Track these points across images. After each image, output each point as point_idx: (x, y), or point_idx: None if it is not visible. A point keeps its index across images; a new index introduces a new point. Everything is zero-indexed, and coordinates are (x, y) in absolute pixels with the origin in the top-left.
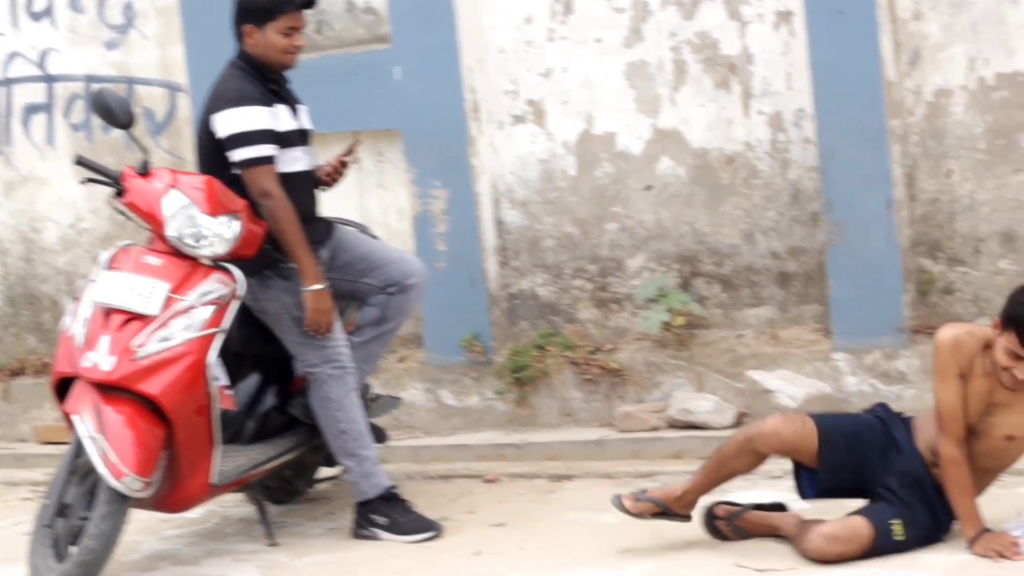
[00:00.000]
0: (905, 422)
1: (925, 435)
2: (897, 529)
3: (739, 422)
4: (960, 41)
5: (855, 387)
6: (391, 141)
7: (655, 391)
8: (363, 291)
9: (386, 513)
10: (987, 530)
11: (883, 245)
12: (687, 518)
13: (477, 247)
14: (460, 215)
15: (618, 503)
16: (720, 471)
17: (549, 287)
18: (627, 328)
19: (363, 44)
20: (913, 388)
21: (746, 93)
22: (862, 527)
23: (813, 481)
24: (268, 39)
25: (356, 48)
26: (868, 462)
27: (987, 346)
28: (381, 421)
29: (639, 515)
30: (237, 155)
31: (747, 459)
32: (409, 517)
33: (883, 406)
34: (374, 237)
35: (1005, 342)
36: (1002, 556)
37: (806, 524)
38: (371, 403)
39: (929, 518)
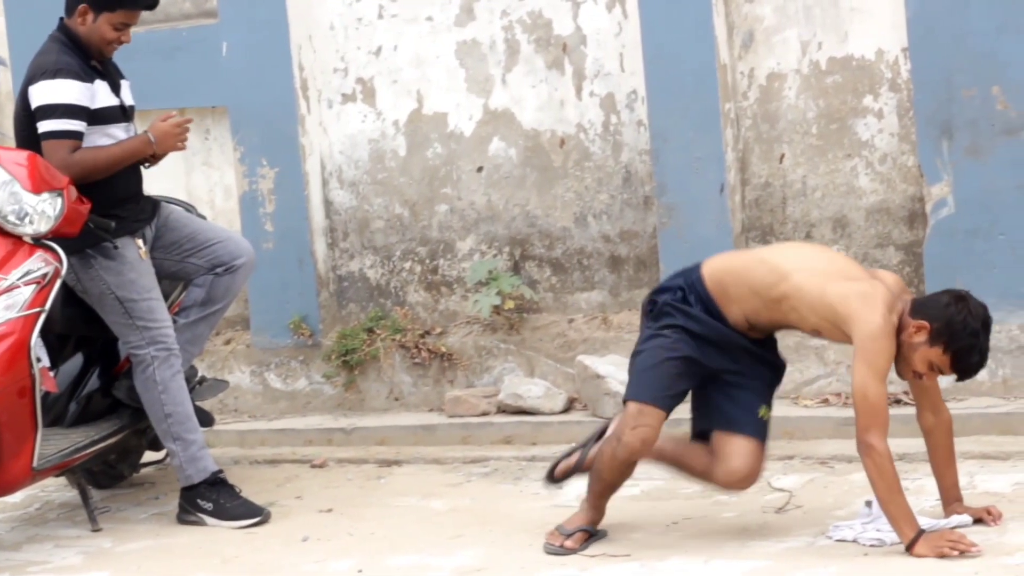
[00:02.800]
0: (698, 288)
1: (732, 300)
2: (764, 414)
3: (569, 407)
4: (793, 24)
5: None
6: (217, 118)
7: (485, 375)
8: (189, 271)
9: (212, 498)
10: (923, 531)
11: (715, 229)
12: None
13: (305, 228)
14: (288, 195)
15: (553, 550)
16: (608, 492)
17: (378, 269)
18: (457, 311)
19: (190, 19)
20: None
21: (579, 74)
22: (750, 446)
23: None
24: (98, 26)
25: (182, 23)
26: (702, 374)
27: None
28: (207, 404)
29: (582, 548)
30: (41, 126)
31: (628, 473)
32: (235, 502)
33: (681, 280)
34: (201, 217)
35: (933, 357)
36: (955, 550)
37: (710, 464)
38: (197, 386)
39: (770, 373)
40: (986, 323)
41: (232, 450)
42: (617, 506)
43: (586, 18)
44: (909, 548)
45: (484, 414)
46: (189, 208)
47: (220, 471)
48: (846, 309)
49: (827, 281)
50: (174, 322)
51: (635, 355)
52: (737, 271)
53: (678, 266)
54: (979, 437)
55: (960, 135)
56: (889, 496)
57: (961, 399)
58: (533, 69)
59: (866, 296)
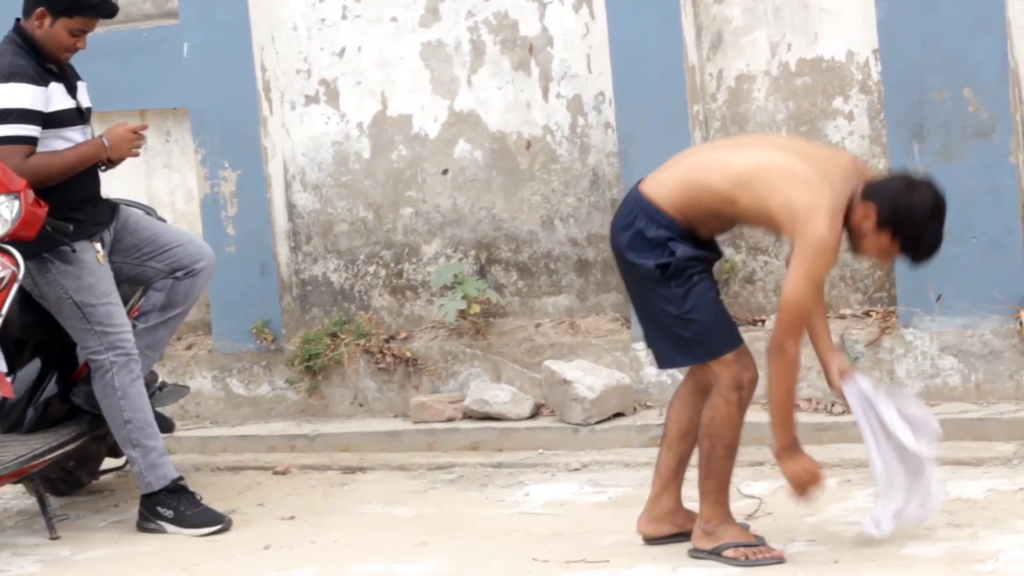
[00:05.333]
0: (675, 228)
1: (698, 226)
2: None
3: (536, 413)
4: (762, 25)
5: (655, 378)
6: (178, 120)
7: (451, 381)
8: (149, 275)
9: (172, 505)
10: (797, 443)
11: None
12: None
13: (268, 231)
14: (250, 198)
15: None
16: (731, 470)
17: (342, 273)
18: (422, 316)
19: (150, 19)
20: None
21: (545, 76)
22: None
23: None
24: (55, 31)
25: (143, 23)
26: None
27: None
28: (168, 410)
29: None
30: None
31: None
32: (196, 510)
33: (662, 231)
34: (161, 220)
35: (883, 243)
36: (805, 489)
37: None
38: (157, 391)
39: None
40: (936, 209)
41: (193, 457)
42: (584, 513)
43: (553, 19)
44: (777, 454)
45: (450, 420)
46: (149, 211)
47: (181, 478)
48: (791, 222)
49: (771, 195)
50: (133, 327)
51: (685, 320)
52: (693, 202)
53: None
54: (952, 443)
55: (931, 138)
56: (783, 402)
57: (934, 404)
58: (499, 70)
59: (810, 208)
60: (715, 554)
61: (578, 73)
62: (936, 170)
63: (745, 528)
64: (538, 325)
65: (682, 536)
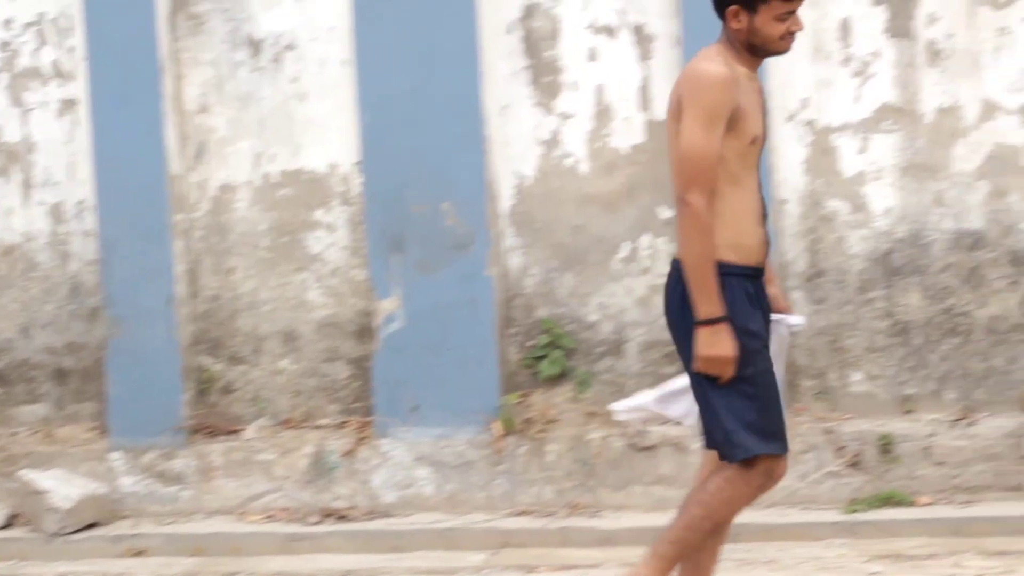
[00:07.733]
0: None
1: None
2: None
3: (10, 523)
4: (247, 136)
5: (131, 487)
6: None
7: None
8: None
9: None
10: (724, 318)
11: (163, 342)
12: None
13: None
14: None
15: None
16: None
17: None
18: None
19: None
20: (191, 488)
21: (27, 182)
22: None
23: None
24: None
25: None
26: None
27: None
28: None
29: None
30: None
31: None
32: None
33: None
34: None
35: (770, 14)
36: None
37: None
38: None
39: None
40: None
41: None
42: None
43: (36, 125)
44: (696, 326)
45: None
46: None
47: None
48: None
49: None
50: None
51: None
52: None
53: (125, 380)
54: (425, 553)
55: (411, 249)
56: (696, 265)
57: (408, 515)
58: None
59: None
60: None
61: (60, 180)
62: (416, 282)
63: None
64: (14, 434)
65: None
